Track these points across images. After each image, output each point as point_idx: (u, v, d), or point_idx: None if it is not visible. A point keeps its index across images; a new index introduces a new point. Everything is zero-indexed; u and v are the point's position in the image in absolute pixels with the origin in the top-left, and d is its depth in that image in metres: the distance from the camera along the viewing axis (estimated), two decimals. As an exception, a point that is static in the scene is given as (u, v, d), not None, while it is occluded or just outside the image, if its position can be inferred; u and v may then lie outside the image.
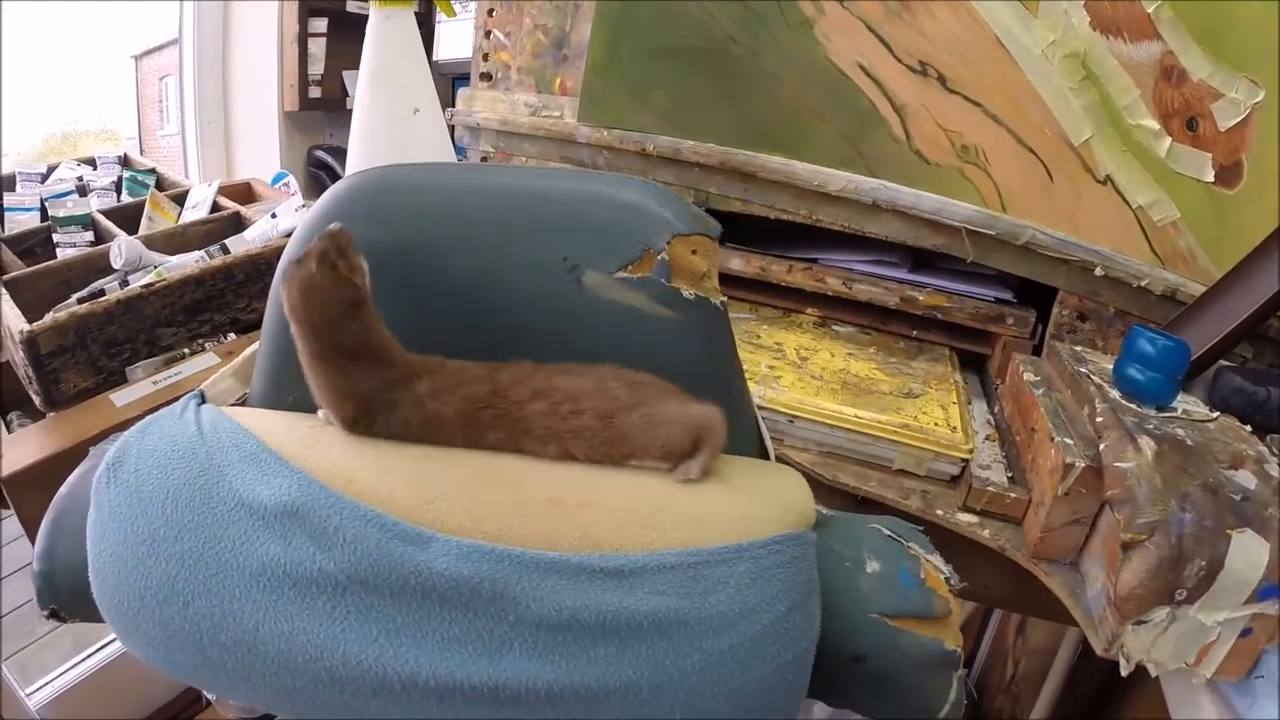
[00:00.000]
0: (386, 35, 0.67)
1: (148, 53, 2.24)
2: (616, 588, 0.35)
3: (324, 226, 0.46)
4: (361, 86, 0.69)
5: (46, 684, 1.32)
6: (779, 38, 0.80)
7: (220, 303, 0.88)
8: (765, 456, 0.50)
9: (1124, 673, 0.58)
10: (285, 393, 0.47)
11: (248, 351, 0.55)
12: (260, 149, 1.53)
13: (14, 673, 1.25)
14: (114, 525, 0.40)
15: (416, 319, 0.44)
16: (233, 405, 0.51)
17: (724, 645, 0.36)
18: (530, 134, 0.89)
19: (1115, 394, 0.70)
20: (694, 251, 0.44)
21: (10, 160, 2.14)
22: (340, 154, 1.49)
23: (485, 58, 0.93)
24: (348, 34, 1.55)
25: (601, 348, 0.43)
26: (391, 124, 0.68)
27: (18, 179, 1.20)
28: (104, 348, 0.83)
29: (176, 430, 0.43)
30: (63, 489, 0.49)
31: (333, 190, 0.47)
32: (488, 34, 0.93)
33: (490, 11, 0.93)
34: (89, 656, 1.34)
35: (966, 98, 0.80)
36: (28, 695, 1.29)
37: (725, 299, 0.45)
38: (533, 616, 0.34)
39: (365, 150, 0.69)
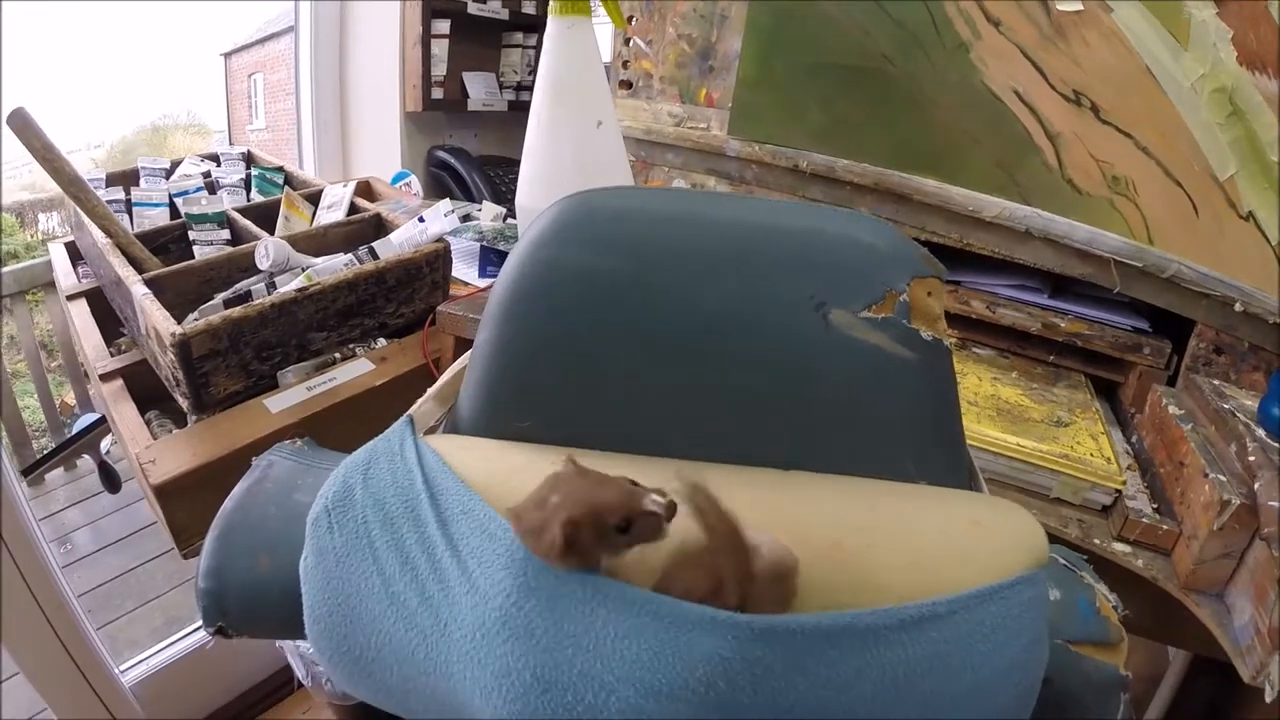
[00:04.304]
0: (567, 46, 0.67)
1: (236, 50, 2.30)
2: (897, 642, 0.36)
3: (548, 245, 0.47)
4: (539, 99, 0.69)
5: (142, 661, 1.34)
6: (935, 60, 0.80)
7: (371, 307, 0.88)
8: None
9: (1268, 699, 0.60)
10: (512, 419, 0.46)
11: (452, 371, 0.55)
12: (376, 148, 1.55)
13: (104, 646, 1.28)
14: (341, 576, 0.40)
15: (648, 352, 0.45)
16: (436, 428, 0.52)
17: (978, 680, 0.37)
18: (675, 144, 0.89)
19: (1261, 432, 0.72)
20: (929, 293, 0.45)
21: (103, 151, 2.22)
22: (461, 155, 1.52)
23: (625, 65, 0.94)
24: (469, 36, 1.56)
25: (841, 386, 0.45)
26: (574, 139, 0.68)
27: (141, 174, 1.21)
28: (256, 351, 0.81)
29: (403, 478, 0.42)
30: (228, 504, 0.49)
31: (556, 211, 0.47)
32: (627, 41, 0.94)
33: (630, 18, 0.93)
34: (184, 637, 1.36)
35: (1118, 128, 0.80)
36: (122, 672, 1.32)
37: (954, 341, 0.46)
38: (823, 680, 0.35)
39: (546, 166, 0.69)
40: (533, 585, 0.35)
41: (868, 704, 0.35)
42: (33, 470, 1.57)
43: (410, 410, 0.50)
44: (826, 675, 0.35)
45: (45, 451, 1.77)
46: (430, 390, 0.54)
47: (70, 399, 2.11)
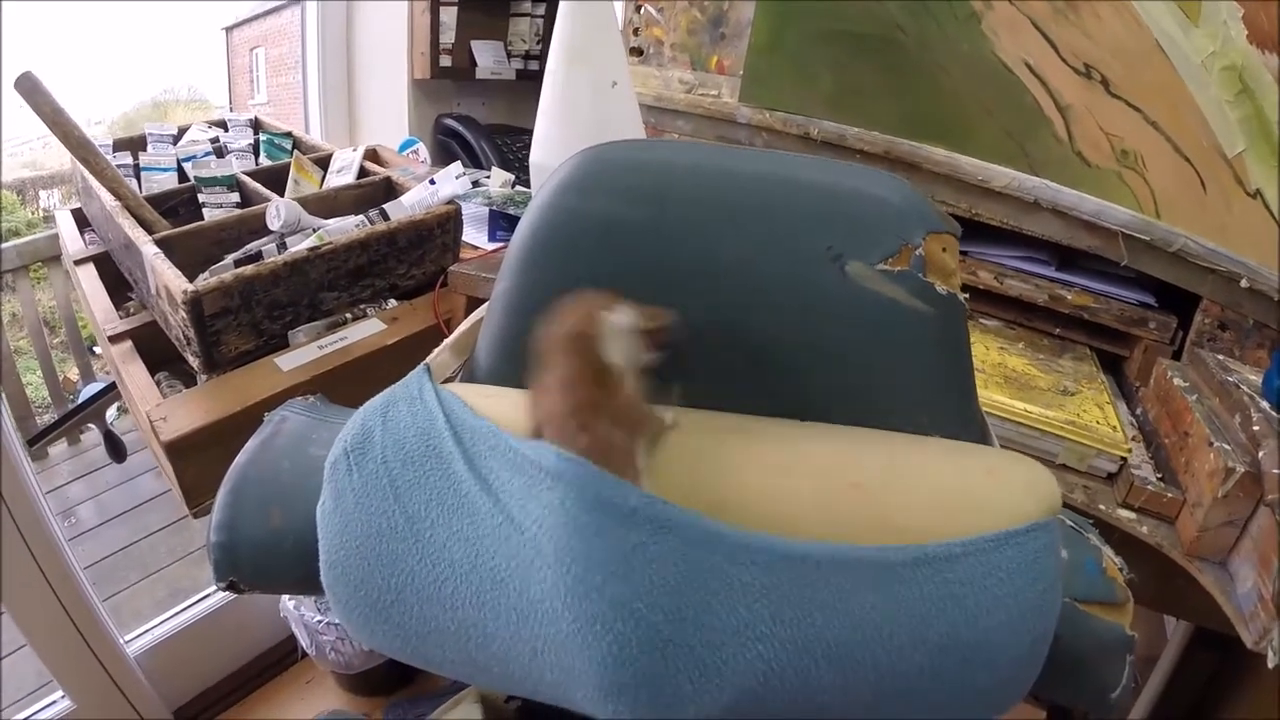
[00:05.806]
0: (583, 9, 0.68)
1: (238, 25, 2.29)
2: (913, 579, 0.37)
3: (567, 194, 0.47)
4: (555, 59, 0.70)
5: (146, 632, 1.35)
6: (947, 29, 0.80)
7: (382, 268, 0.89)
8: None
9: (1270, 664, 0.60)
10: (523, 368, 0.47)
11: (469, 322, 0.55)
12: (383, 116, 1.55)
13: (109, 618, 1.28)
14: (361, 517, 0.40)
15: (666, 300, 0.45)
16: (452, 379, 0.52)
17: (994, 623, 0.38)
18: (686, 111, 0.90)
19: (1265, 405, 0.72)
20: (944, 249, 0.45)
21: (103, 128, 2.21)
22: (469, 123, 1.53)
23: (636, 32, 0.94)
24: (477, 4, 1.56)
25: (857, 336, 0.45)
26: (589, 98, 0.69)
27: (149, 140, 1.21)
28: (267, 310, 0.82)
29: (423, 419, 0.42)
30: (241, 458, 0.49)
31: (576, 161, 0.47)
32: (638, 8, 0.94)
33: (642, -14, 0.94)
34: (188, 608, 1.37)
35: (1128, 102, 0.81)
36: (127, 643, 1.32)
37: (967, 296, 0.47)
38: (837, 611, 0.36)
39: (561, 125, 0.70)
40: (569, 512, 0.35)
41: (885, 643, 0.36)
42: (39, 439, 1.57)
43: (427, 359, 0.50)
44: (841, 606, 0.35)
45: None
46: (447, 341, 0.54)
47: (73, 374, 2.11)
